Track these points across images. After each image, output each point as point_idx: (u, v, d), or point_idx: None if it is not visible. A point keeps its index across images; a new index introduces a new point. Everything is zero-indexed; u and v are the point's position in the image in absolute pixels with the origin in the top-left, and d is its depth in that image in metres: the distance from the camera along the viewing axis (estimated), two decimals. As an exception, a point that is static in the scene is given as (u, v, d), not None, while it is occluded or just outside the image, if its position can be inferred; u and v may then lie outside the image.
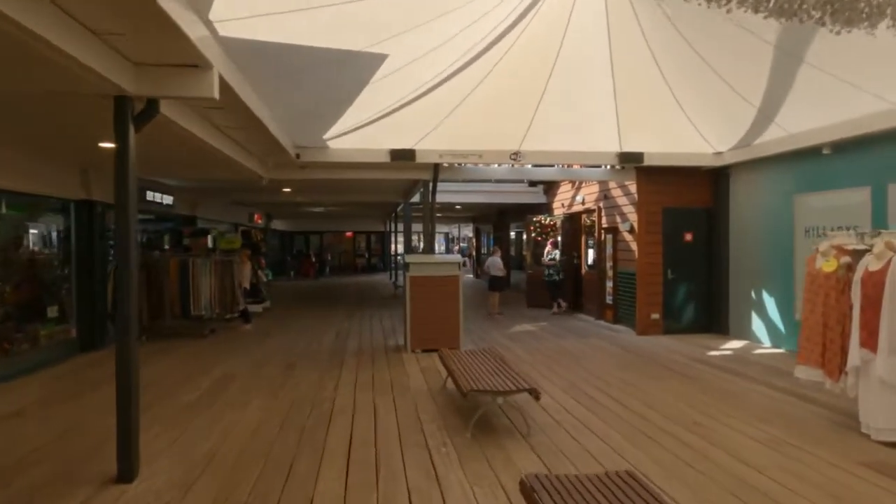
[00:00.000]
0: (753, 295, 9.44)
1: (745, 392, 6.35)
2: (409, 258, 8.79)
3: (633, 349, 8.92)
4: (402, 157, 8.91)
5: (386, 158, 8.95)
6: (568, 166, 10.86)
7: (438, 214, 24.83)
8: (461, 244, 37.58)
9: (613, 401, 6.05)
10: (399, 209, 19.12)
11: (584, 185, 12.73)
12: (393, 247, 36.86)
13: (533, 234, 14.13)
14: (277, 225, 27.93)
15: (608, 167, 10.31)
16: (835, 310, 5.10)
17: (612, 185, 11.29)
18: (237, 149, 7.65)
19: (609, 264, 11.34)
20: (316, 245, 32.68)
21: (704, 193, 10.35)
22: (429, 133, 8.72)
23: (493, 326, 11.49)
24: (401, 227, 34.61)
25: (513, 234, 19.92)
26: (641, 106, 8.59)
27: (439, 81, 7.43)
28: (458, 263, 8.83)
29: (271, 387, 6.83)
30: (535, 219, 14.09)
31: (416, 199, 15.00)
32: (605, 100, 8.46)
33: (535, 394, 4.97)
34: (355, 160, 8.98)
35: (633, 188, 10.40)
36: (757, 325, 9.34)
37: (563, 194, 14.17)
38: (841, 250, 5.16)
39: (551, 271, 12.99)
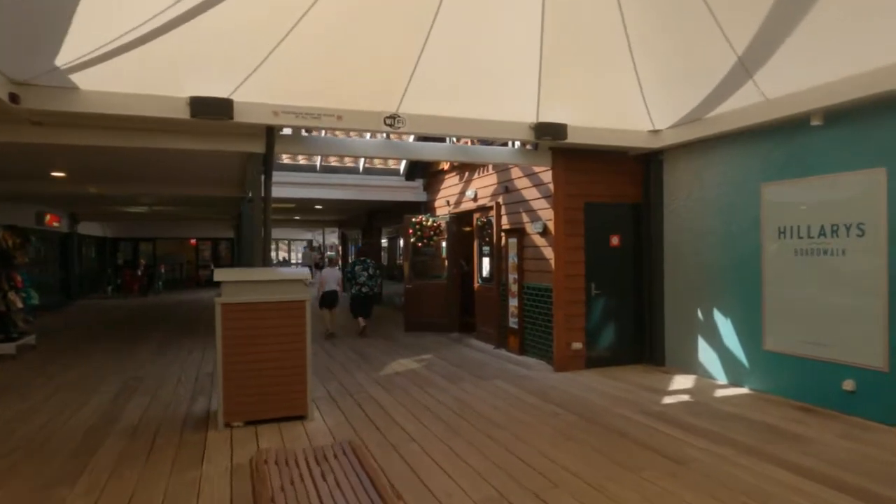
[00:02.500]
0: (700, 316, 7.27)
1: (784, 494, 3.84)
2: (222, 274, 5.41)
3: (561, 399, 6.28)
4: (212, 110, 5.53)
5: (185, 114, 5.52)
6: (464, 142, 8.09)
7: (296, 217, 21.17)
8: (328, 253, 33.63)
9: (585, 542, 3.23)
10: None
11: (476, 176, 10.09)
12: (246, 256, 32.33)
13: (412, 239, 11.23)
14: (92, 229, 22.43)
15: (517, 145, 7.69)
16: None
17: (515, 174, 8.72)
18: None
19: (513, 277, 8.73)
20: (148, 254, 27.25)
21: (633, 185, 8.10)
22: (254, 72, 5.46)
23: (359, 363, 8.36)
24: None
25: (385, 240, 16.92)
26: (572, 54, 6.05)
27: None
28: (305, 281, 5.62)
29: None
30: (414, 220, 11.21)
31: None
32: (523, 43, 5.81)
33: None
34: (129, 112, 5.42)
35: (546, 176, 7.87)
36: (706, 356, 7.17)
37: (449, 189, 11.44)
38: None
39: (361, 287, 11.04)
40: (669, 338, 7.79)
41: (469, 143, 8.07)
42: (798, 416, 5.53)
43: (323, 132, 8.97)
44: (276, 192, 11.71)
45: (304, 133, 6.69)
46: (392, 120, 6.22)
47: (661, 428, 5.21)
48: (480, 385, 6.96)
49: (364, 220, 18.39)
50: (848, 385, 5.54)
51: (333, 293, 10.97)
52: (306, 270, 5.71)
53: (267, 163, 6.28)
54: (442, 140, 8.76)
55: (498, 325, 9.22)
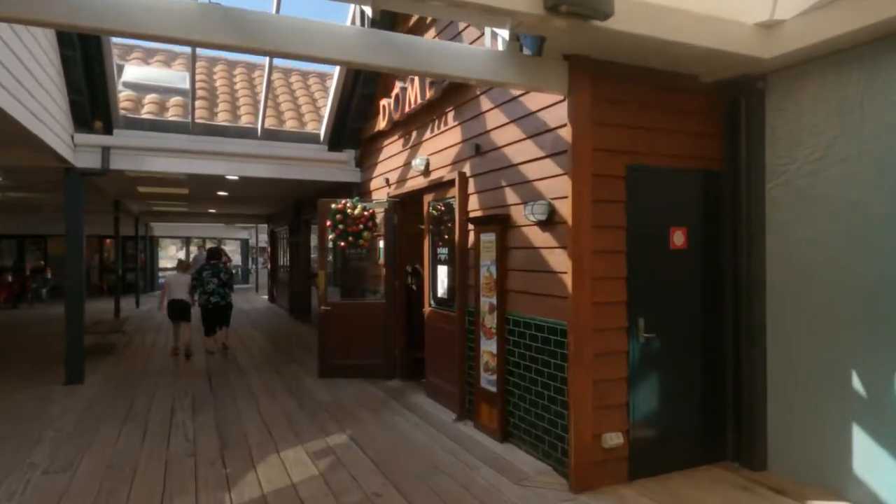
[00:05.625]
0: (858, 383, 3.68)
1: None
2: None
3: None
4: None
5: None
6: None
7: (211, 210, 17.04)
8: (182, 256, 28.00)
9: None
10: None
11: (429, 134, 6.33)
12: (162, 256, 27.67)
13: (332, 236, 7.39)
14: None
15: (500, 43, 3.92)
16: None
17: (494, 121, 4.99)
18: None
19: (487, 301, 4.99)
20: (42, 255, 22.50)
21: (706, 137, 4.47)
22: None
23: (202, 459, 4.48)
24: (168, 229, 25.63)
25: (315, 238, 12.98)
26: None
27: None
28: None
29: None
30: (334, 206, 7.35)
31: (91, 160, 7.47)
32: None
33: None
34: None
35: (556, 116, 4.15)
36: (875, 464, 3.58)
37: (390, 160, 7.63)
38: None
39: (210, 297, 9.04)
40: (777, 420, 4.18)
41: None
42: None
43: None
44: (130, 162, 7.73)
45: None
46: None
47: None
48: (424, 551, 3.18)
49: (291, 214, 14.42)
50: None
51: (182, 303, 9.12)
52: None
53: None
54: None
55: (461, 379, 5.47)
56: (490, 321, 4.96)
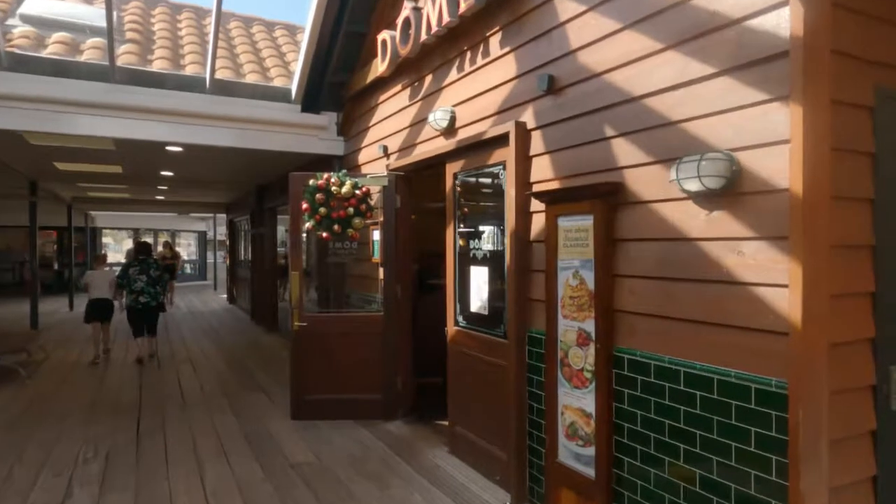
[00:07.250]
0: None
1: None
2: None
3: None
4: None
5: None
6: None
7: (159, 196, 14.73)
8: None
9: None
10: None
11: (455, 75, 4.36)
12: (115, 250, 24.89)
13: (310, 223, 5.37)
14: None
15: None
16: None
17: (586, 28, 3.05)
18: None
19: (577, 325, 3.08)
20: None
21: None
22: None
23: None
24: (112, 219, 22.80)
25: (283, 229, 10.88)
26: None
27: None
28: None
29: None
30: (314, 183, 5.32)
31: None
32: None
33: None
34: None
35: (745, -6, 2.26)
36: None
37: (389, 122, 5.61)
38: None
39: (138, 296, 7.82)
40: None
41: None
42: None
43: None
44: (25, 119, 5.53)
45: None
46: None
47: None
48: None
49: (253, 201, 12.22)
50: None
51: (104, 302, 8.15)
52: None
53: None
54: None
55: (517, 443, 3.56)
56: (580, 359, 3.05)
